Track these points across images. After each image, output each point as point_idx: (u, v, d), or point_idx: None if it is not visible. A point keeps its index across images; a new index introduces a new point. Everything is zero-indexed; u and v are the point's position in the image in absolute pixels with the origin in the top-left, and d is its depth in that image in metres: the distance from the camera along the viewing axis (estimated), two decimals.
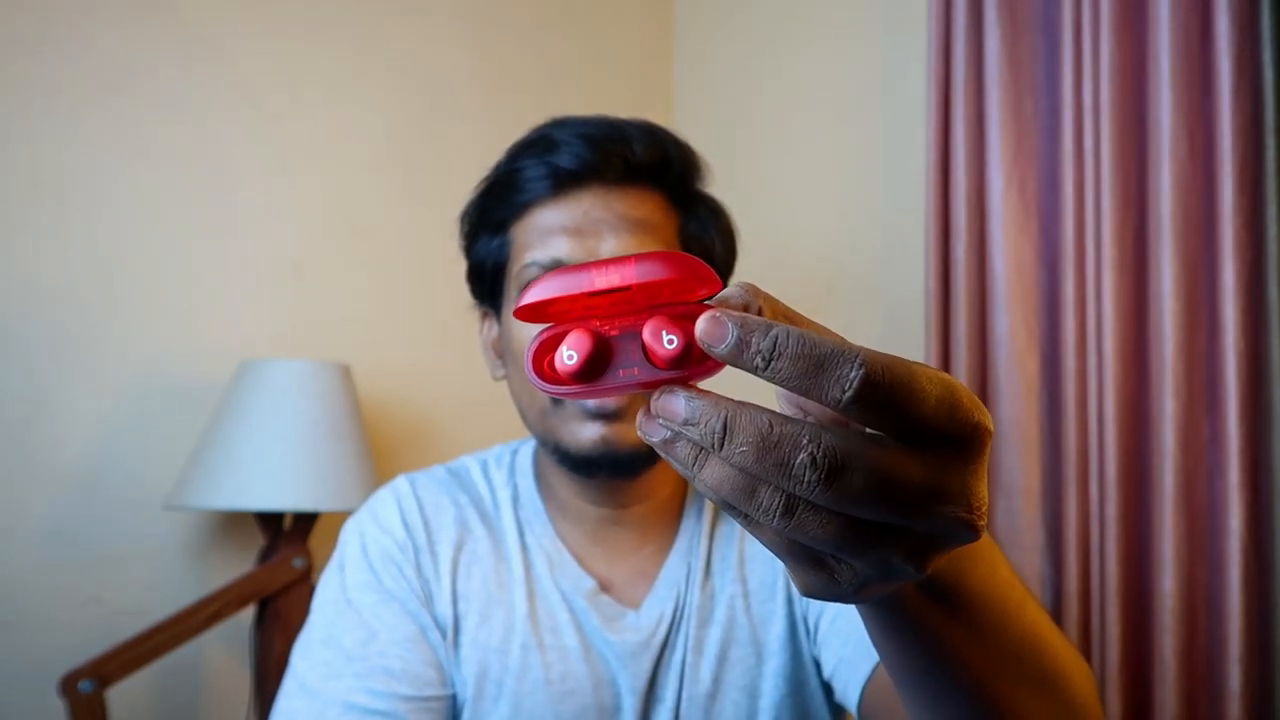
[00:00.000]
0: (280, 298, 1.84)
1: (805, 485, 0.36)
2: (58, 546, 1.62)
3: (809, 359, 0.36)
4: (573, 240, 0.85)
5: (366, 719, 0.82)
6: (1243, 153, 1.29)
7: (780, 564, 0.89)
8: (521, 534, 0.92)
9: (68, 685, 1.36)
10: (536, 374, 0.40)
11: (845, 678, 0.83)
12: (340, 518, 1.74)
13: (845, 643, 0.84)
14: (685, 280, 0.39)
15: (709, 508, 0.94)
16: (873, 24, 1.95)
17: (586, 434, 0.84)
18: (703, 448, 0.38)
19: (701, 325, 0.36)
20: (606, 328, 0.40)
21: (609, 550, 0.93)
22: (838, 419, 0.41)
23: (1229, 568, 1.27)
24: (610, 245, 0.84)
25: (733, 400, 0.37)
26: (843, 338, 0.37)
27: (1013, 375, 1.53)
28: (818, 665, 0.90)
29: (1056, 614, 1.48)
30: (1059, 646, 0.57)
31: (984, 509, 0.39)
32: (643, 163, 0.87)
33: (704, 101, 2.29)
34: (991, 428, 0.38)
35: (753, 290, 0.40)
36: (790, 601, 0.90)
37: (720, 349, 0.36)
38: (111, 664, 1.40)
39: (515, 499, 0.94)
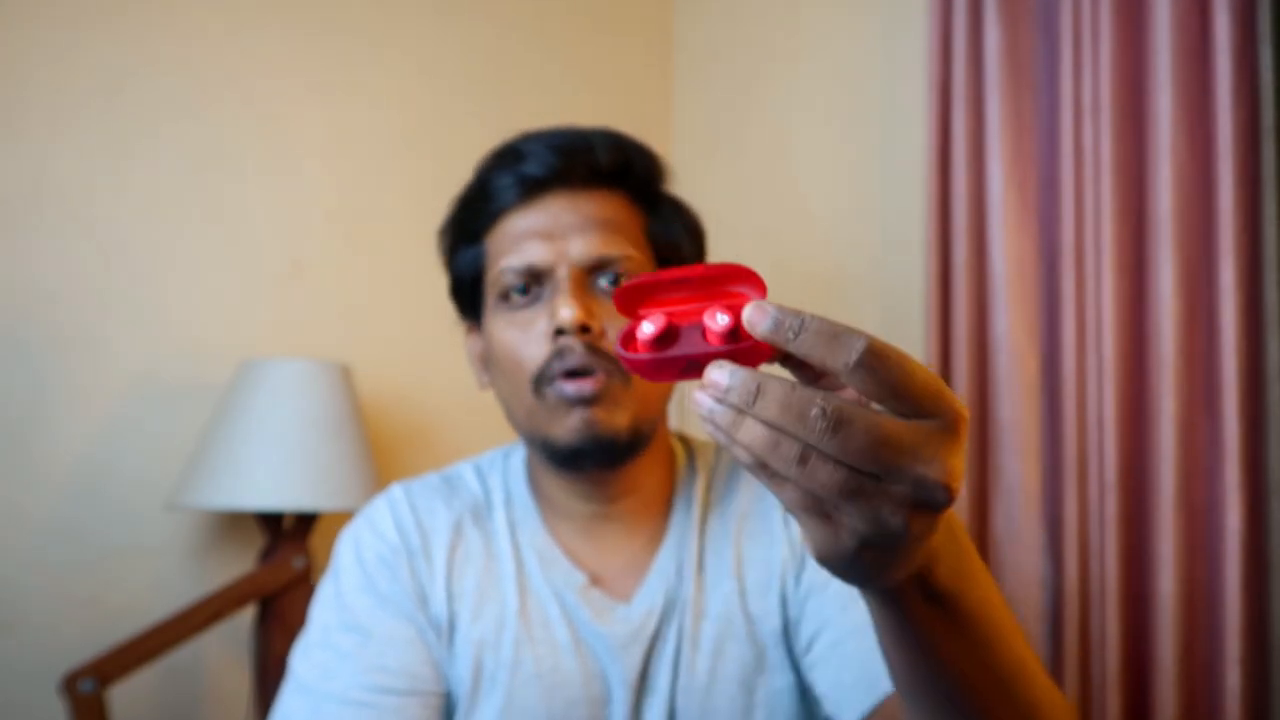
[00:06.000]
0: (280, 297, 1.84)
1: (816, 434, 0.44)
2: (58, 546, 1.62)
3: (826, 334, 0.45)
4: (544, 243, 0.89)
5: (361, 712, 0.84)
6: (1242, 152, 1.30)
7: (775, 565, 0.93)
8: (513, 532, 0.95)
9: (68, 685, 1.36)
10: (623, 346, 0.50)
11: (841, 702, 0.85)
12: (340, 518, 1.74)
13: (846, 667, 0.85)
14: (734, 279, 0.50)
15: (697, 504, 0.97)
16: (872, 23, 1.95)
17: (570, 421, 0.86)
18: (740, 410, 0.46)
19: (748, 310, 0.46)
20: (677, 319, 0.50)
21: (599, 545, 0.95)
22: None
23: (1228, 567, 1.27)
24: (579, 245, 0.88)
25: (762, 373, 0.46)
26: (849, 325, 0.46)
27: (1013, 375, 1.53)
28: (799, 672, 0.92)
29: (1056, 613, 1.48)
30: (1044, 684, 0.63)
31: (956, 478, 0.46)
32: (606, 167, 0.92)
33: (704, 102, 2.29)
34: (966, 415, 0.47)
35: (778, 305, 0.49)
36: (784, 604, 0.92)
37: (762, 326, 0.46)
38: (112, 664, 1.40)
39: (508, 500, 0.97)
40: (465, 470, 1.01)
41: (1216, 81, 1.32)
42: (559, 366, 0.85)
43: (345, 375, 1.66)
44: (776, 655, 0.91)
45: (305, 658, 0.89)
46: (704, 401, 0.47)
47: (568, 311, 0.85)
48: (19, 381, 1.62)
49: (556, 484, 0.94)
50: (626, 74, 2.31)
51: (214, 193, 1.79)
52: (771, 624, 0.92)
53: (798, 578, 0.92)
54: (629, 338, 0.50)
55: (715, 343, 0.48)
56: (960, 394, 1.56)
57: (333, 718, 0.84)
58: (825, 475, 0.45)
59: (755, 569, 0.93)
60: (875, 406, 0.47)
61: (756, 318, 0.46)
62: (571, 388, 0.85)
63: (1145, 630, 1.38)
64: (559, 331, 0.85)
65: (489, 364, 0.94)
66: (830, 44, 2.02)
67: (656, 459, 0.96)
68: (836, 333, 0.45)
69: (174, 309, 1.74)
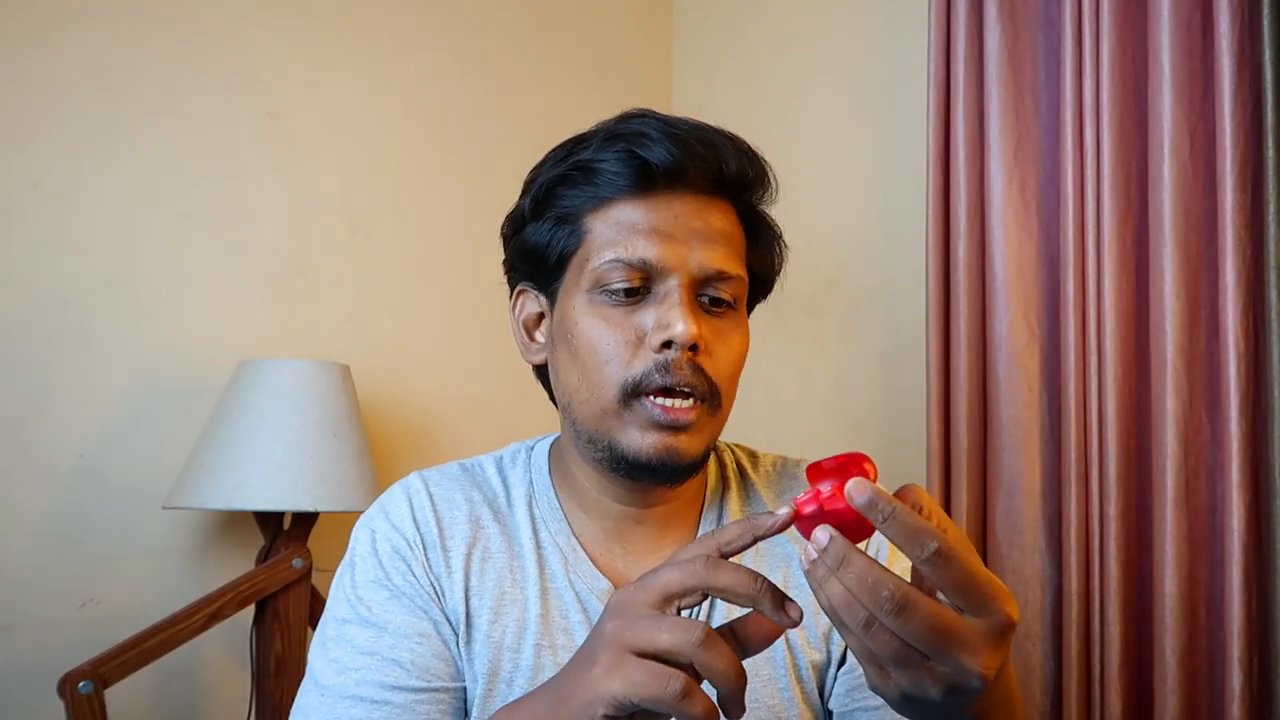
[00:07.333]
0: (280, 298, 1.83)
1: (883, 610, 0.56)
2: (57, 547, 1.62)
3: (907, 527, 0.56)
4: (663, 244, 0.82)
5: (375, 710, 0.83)
6: (1243, 152, 1.29)
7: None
8: (536, 532, 0.92)
9: (67, 686, 1.36)
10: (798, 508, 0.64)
11: None
12: (340, 517, 1.74)
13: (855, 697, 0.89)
14: (853, 467, 0.62)
15: (732, 518, 0.95)
16: (873, 23, 1.95)
17: (649, 439, 0.83)
18: (830, 570, 0.57)
19: (850, 485, 0.58)
20: (827, 494, 0.63)
21: (626, 548, 0.92)
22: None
23: (1229, 567, 1.27)
24: (701, 256, 0.83)
25: (854, 547, 0.58)
26: (931, 526, 0.57)
27: (1013, 375, 1.52)
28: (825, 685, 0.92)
29: (1057, 613, 1.48)
30: None
31: (991, 671, 0.57)
32: (731, 176, 0.86)
33: (703, 101, 2.29)
34: (1017, 620, 0.57)
35: (876, 490, 0.59)
36: (829, 640, 0.91)
37: (859, 499, 0.57)
38: (111, 664, 1.39)
39: (531, 496, 0.94)
40: (486, 463, 0.97)
41: (1218, 81, 1.31)
42: (659, 382, 0.81)
43: (345, 375, 1.65)
44: (810, 688, 0.90)
45: (322, 653, 0.87)
46: (809, 552, 0.58)
47: (683, 327, 0.80)
48: (18, 381, 1.61)
49: (597, 481, 0.90)
50: (626, 75, 2.31)
51: (214, 193, 1.79)
52: (813, 657, 0.90)
53: None
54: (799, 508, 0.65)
55: (830, 507, 0.61)
56: (961, 394, 1.56)
57: (348, 716, 0.83)
58: (883, 643, 0.56)
59: (800, 597, 0.92)
60: (940, 597, 0.57)
61: (855, 492, 0.58)
62: (667, 415, 0.81)
63: (1147, 630, 1.37)
64: (666, 344, 0.81)
65: (559, 341, 0.88)
66: (830, 44, 2.02)
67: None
68: (916, 529, 0.56)
69: (174, 309, 1.74)
